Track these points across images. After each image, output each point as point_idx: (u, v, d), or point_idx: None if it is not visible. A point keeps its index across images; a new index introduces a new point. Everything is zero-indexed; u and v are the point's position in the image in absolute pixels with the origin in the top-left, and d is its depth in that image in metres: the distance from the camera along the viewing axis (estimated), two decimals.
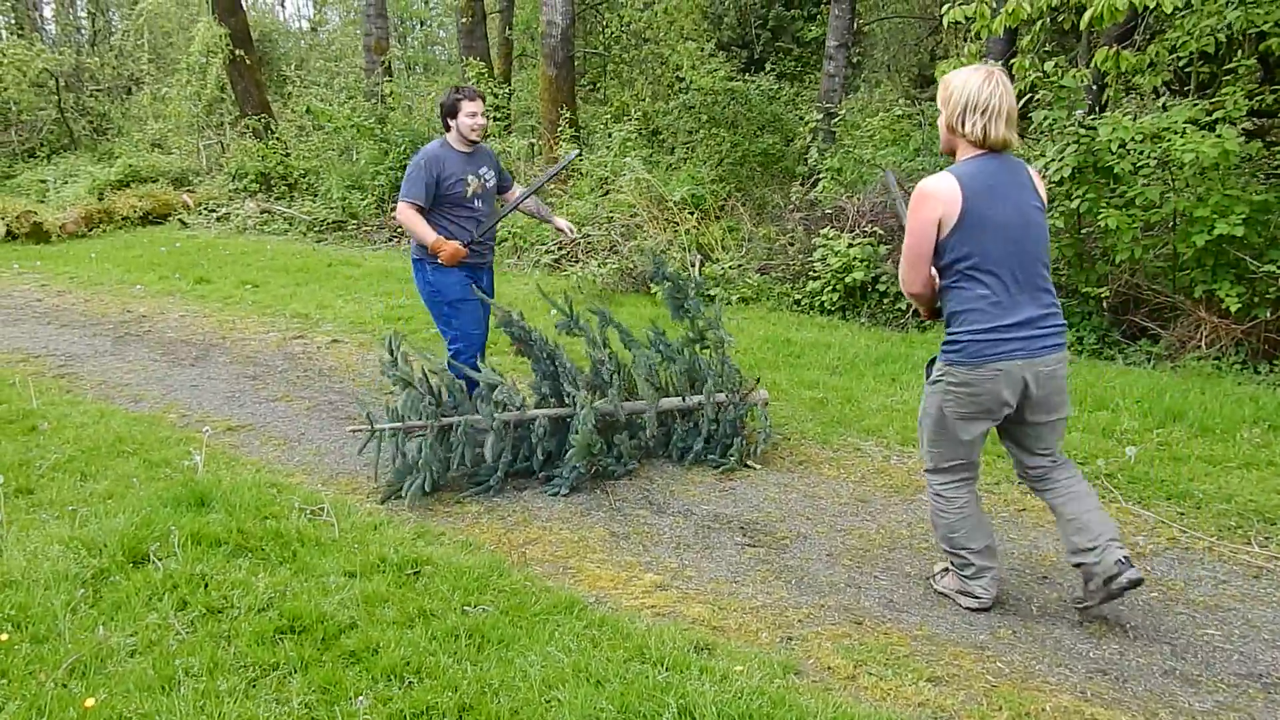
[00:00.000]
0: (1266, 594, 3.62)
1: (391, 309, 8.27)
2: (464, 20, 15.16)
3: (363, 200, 13.51)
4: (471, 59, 14.32)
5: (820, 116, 11.12)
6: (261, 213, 13.95)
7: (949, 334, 3.28)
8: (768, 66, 16.24)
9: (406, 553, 3.74)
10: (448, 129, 5.08)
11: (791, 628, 3.36)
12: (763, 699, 2.80)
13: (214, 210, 14.36)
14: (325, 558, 3.69)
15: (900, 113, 11.82)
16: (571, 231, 5.58)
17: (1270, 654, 3.21)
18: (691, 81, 14.30)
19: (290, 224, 13.61)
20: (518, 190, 5.48)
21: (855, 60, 17.11)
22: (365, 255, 11.63)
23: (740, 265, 9.31)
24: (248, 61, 15.65)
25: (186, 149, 17.22)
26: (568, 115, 12.48)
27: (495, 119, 13.53)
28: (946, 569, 3.66)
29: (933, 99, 15.63)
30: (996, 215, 3.11)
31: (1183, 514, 4.32)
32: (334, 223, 13.33)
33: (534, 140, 13.52)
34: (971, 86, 3.13)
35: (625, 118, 12.93)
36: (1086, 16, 6.29)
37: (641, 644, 3.12)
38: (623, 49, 17.45)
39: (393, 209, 13.16)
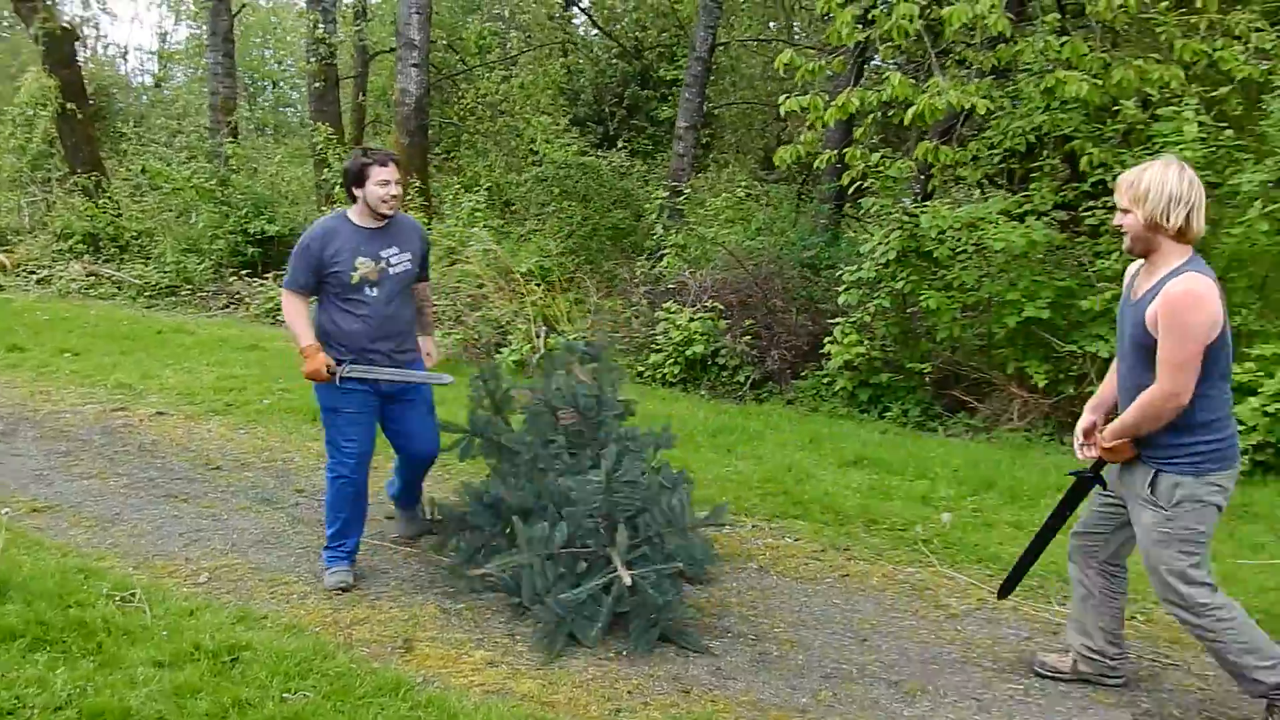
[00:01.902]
0: (1064, 650, 3.87)
1: (223, 379, 7.99)
2: (316, 85, 15.03)
3: (199, 265, 13.08)
4: (321, 124, 14.18)
5: (667, 194, 11.46)
6: (88, 275, 13.28)
7: (1207, 441, 3.14)
8: (620, 143, 16.69)
9: (224, 639, 3.59)
10: (352, 199, 4.25)
11: (621, 700, 3.39)
12: None
13: (34, 272, 13.59)
14: (134, 648, 3.50)
15: (744, 194, 12.31)
16: (431, 358, 4.64)
17: (1065, 706, 3.44)
18: (545, 154, 14.56)
19: (119, 288, 13.01)
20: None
21: (706, 141, 17.73)
22: (199, 322, 11.24)
23: (585, 337, 9.44)
24: (79, 115, 15.03)
25: (7, 205, 16.30)
26: (418, 184, 12.47)
27: (342, 185, 13.39)
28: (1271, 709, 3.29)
29: (776, 181, 16.39)
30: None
31: (991, 576, 4.58)
32: (167, 288, 12.83)
33: None
34: (1171, 180, 3.06)
35: (476, 188, 13.01)
36: (910, 113, 6.76)
37: None
38: (478, 120, 17.63)
39: (233, 274, 12.83)
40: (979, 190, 10.18)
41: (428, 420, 4.49)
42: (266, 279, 12.50)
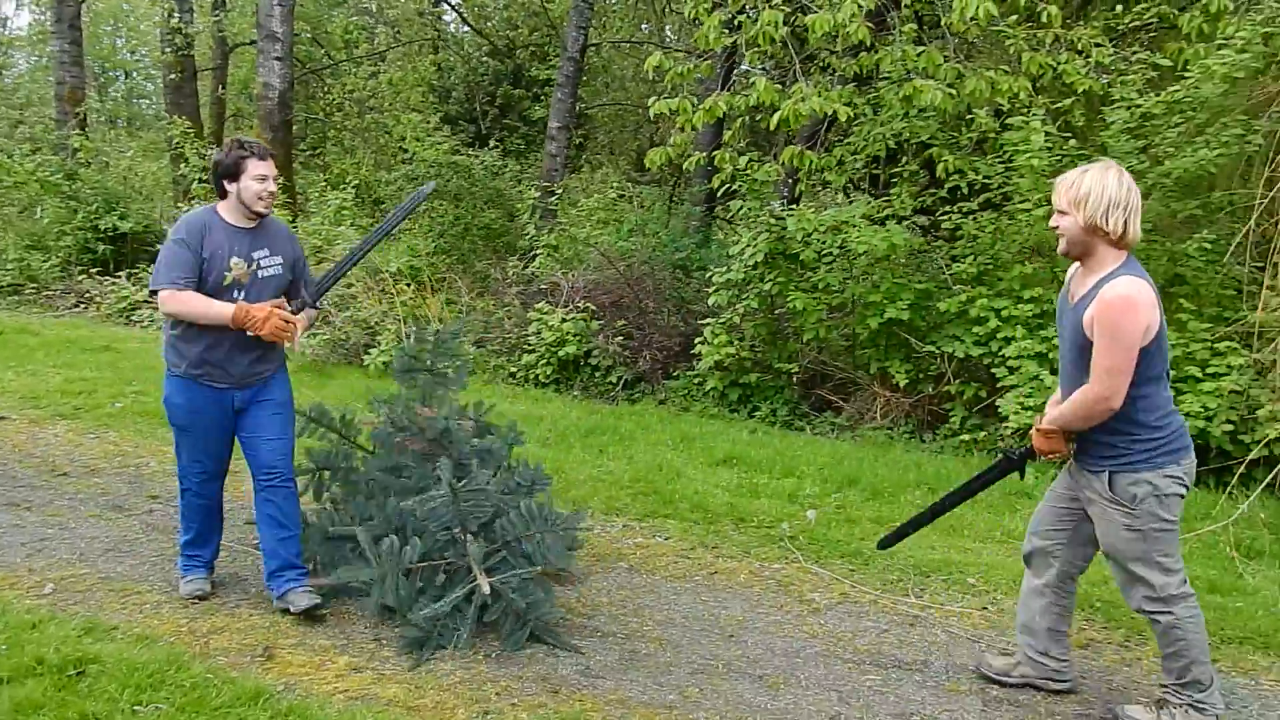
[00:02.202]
0: (919, 640, 4.02)
1: (71, 382, 7.59)
2: (172, 76, 14.43)
3: (45, 262, 12.39)
4: (177, 117, 13.61)
5: (539, 194, 11.42)
6: None
7: (1154, 439, 3.18)
8: (492, 142, 16.55)
9: (69, 652, 3.40)
10: (223, 194, 3.86)
11: (489, 701, 3.36)
12: None
13: None
14: None
15: (615, 195, 12.36)
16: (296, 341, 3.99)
17: (920, 694, 3.57)
18: (415, 153, 14.32)
19: None
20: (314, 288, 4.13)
21: (579, 141, 17.75)
22: (45, 323, 10.63)
23: (457, 337, 9.31)
24: None
25: None
26: (281, 181, 12.09)
27: (203, 180, 12.89)
28: (1163, 704, 3.34)
29: (649, 183, 16.52)
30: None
31: (853, 570, 4.72)
32: (9, 286, 12.11)
33: None
34: (1110, 185, 3.08)
35: (343, 185, 12.71)
36: (775, 119, 6.90)
37: None
38: (345, 116, 17.22)
39: (83, 272, 12.18)
40: (844, 195, 10.50)
41: (275, 420, 4.00)
42: (119, 277, 11.94)
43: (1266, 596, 4.45)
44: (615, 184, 14.48)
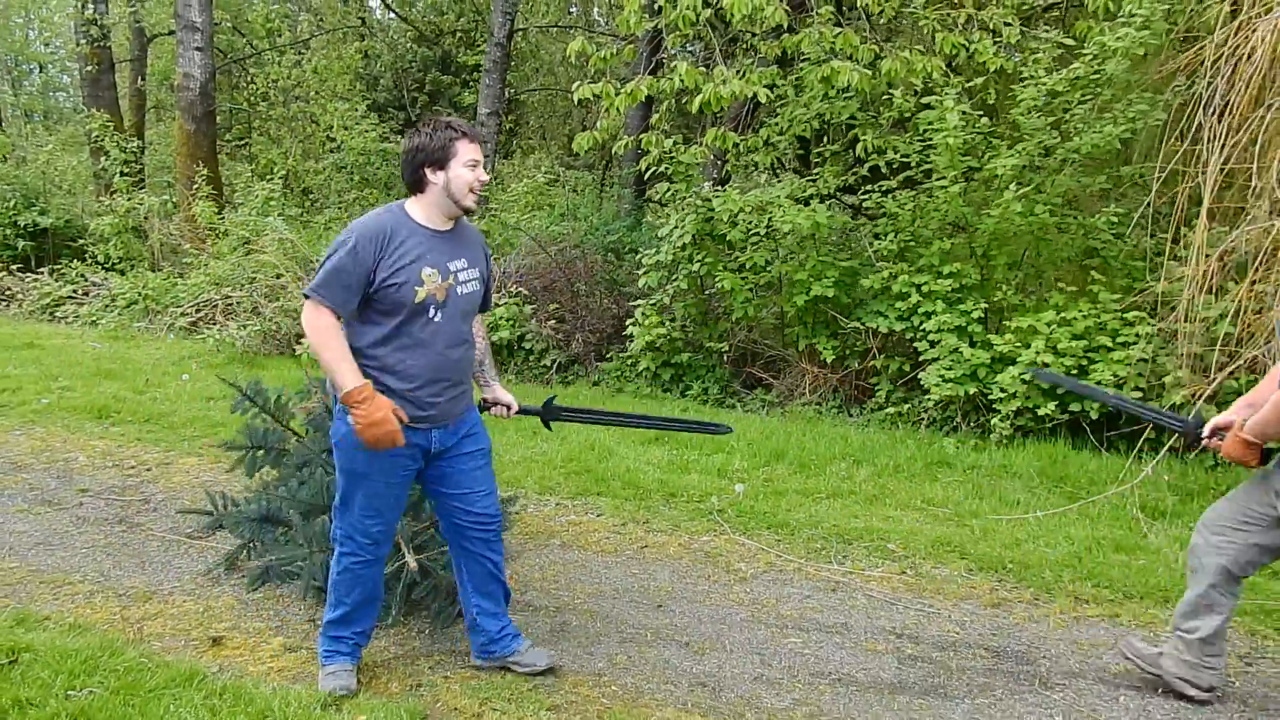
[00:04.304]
0: (840, 604, 4.18)
1: None
2: (88, 68, 14.10)
3: None
4: (96, 110, 13.33)
5: None
6: None
7: None
8: None
9: (1, 641, 3.43)
10: (420, 187, 3.12)
11: (422, 675, 3.44)
12: None
13: None
14: None
15: (545, 180, 12.40)
16: (512, 410, 3.57)
17: (839, 655, 3.72)
18: (343, 142, 14.20)
19: None
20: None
21: (510, 127, 17.71)
22: None
23: None
24: None
25: None
26: (205, 173, 11.93)
27: (124, 174, 12.67)
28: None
29: (581, 167, 16.55)
30: None
31: (779, 540, 4.87)
32: None
33: (169, 197, 12.80)
34: None
35: (270, 176, 12.58)
36: (697, 101, 7.01)
37: (265, 708, 3.07)
38: (270, 106, 16.98)
39: (2, 269, 11.89)
40: (774, 175, 10.65)
41: (487, 472, 3.41)
42: (41, 273, 11.70)
43: (1167, 555, 4.69)
44: (547, 169, 14.50)
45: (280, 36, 17.16)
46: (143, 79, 16.95)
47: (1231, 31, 5.67)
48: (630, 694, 3.37)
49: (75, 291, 11.33)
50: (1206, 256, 5.69)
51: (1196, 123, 5.64)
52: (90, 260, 12.03)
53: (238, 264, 10.08)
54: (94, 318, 10.66)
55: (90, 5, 13.72)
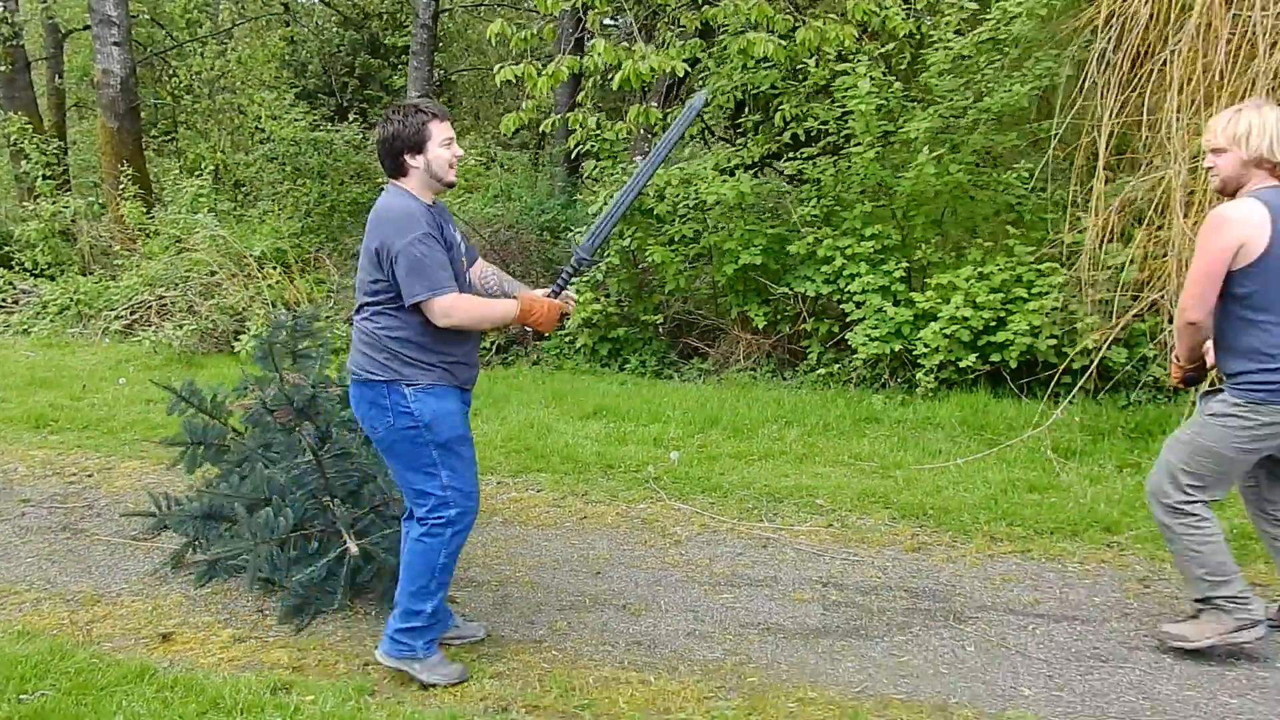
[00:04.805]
0: (769, 559, 4.39)
1: None
2: (1, 69, 13.81)
3: None
4: (13, 112, 13.09)
5: None
6: None
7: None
8: (351, 115, 16.32)
9: None
10: (401, 172, 3.26)
11: (369, 655, 3.57)
12: None
13: None
14: None
15: (475, 161, 12.42)
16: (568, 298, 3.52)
17: (768, 606, 3.92)
18: (272, 132, 14.07)
19: None
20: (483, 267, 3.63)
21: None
22: None
23: (329, 317, 9.35)
24: None
25: None
26: (130, 171, 11.80)
27: (47, 177, 12.47)
28: (1197, 616, 3.44)
29: (515, 147, 16.57)
30: None
31: (713, 503, 5.07)
32: None
33: (96, 198, 12.65)
34: (1270, 120, 3.16)
35: (199, 171, 12.47)
36: (617, 79, 7.13)
37: (216, 696, 3.20)
38: (195, 99, 16.75)
39: None
40: (706, 146, 10.80)
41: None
42: None
43: (1076, 491, 4.96)
44: (481, 150, 14.50)
45: (201, 27, 16.90)
46: (60, 77, 16.61)
47: None
48: (570, 657, 3.54)
49: (4, 300, 11.18)
50: (1108, 207, 5.95)
51: (1091, 80, 5.87)
52: (17, 268, 11.83)
53: (170, 263, 10.03)
54: (25, 326, 10.53)
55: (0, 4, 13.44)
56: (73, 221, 12.00)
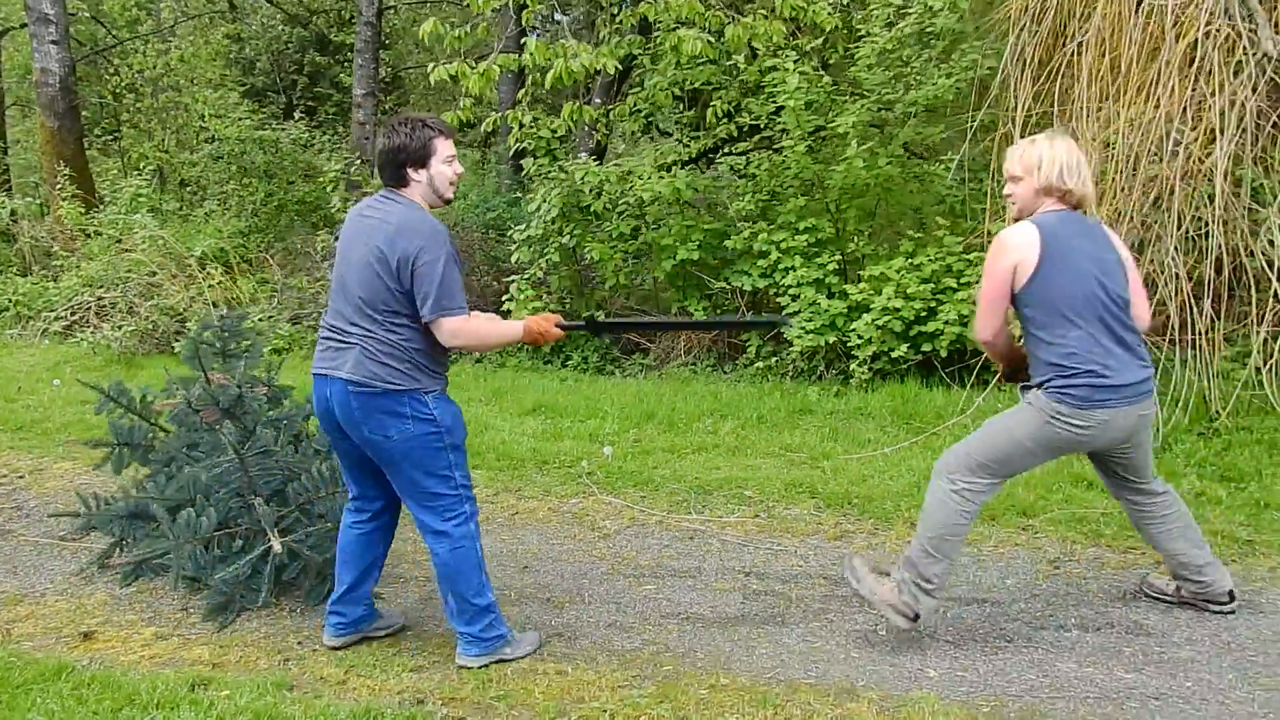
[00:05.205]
0: (695, 551, 4.47)
1: None
2: None
3: None
4: None
5: (340, 166, 11.34)
6: None
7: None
8: (297, 114, 16.21)
9: None
10: (402, 183, 3.30)
11: (290, 650, 3.62)
12: (248, 715, 3.05)
13: None
14: None
15: None
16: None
17: (689, 596, 4.00)
18: (217, 131, 13.93)
19: None
20: None
21: (390, 107, 17.52)
22: None
23: (272, 317, 9.33)
24: None
25: None
26: (68, 172, 11.67)
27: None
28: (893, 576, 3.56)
29: (463, 145, 16.48)
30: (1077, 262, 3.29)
31: (644, 497, 5.15)
32: None
33: (36, 198, 12.48)
34: (1060, 151, 3.34)
35: (140, 171, 12.34)
36: (549, 78, 7.16)
37: (133, 692, 3.22)
38: (138, 98, 16.54)
39: None
40: (652, 141, 10.87)
41: None
42: None
43: None
44: None
45: (142, 25, 16.69)
46: None
47: None
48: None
49: None
50: None
51: (1007, 73, 6.01)
52: None
53: (110, 264, 9.94)
54: None
55: None
56: (13, 222, 11.84)
